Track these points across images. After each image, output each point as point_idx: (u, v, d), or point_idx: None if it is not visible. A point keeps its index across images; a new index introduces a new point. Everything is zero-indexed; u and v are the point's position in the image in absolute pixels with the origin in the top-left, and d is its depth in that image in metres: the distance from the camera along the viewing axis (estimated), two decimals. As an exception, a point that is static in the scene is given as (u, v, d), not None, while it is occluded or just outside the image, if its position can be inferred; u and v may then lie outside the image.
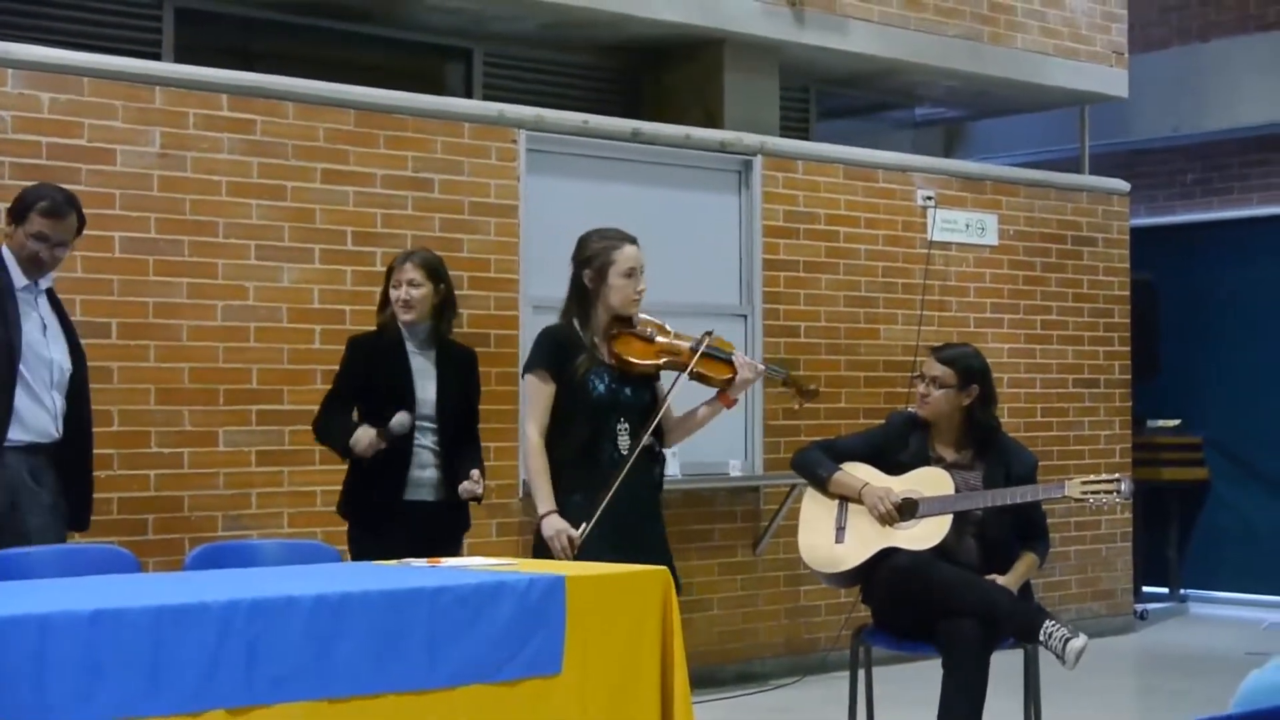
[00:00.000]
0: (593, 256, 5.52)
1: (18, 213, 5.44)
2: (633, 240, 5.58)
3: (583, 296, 5.53)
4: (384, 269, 5.94)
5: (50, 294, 5.59)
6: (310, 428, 6.04)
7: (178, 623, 3.50)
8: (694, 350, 5.52)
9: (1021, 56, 10.02)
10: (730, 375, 5.56)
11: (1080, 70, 10.31)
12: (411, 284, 5.85)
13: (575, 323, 5.52)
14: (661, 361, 5.54)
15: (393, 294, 5.89)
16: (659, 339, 5.55)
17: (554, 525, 5.33)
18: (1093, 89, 10.41)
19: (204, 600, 3.57)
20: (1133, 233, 10.51)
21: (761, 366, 5.75)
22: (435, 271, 5.92)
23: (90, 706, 3.36)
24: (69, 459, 5.55)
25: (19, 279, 5.41)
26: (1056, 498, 5.80)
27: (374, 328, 6.00)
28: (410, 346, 5.89)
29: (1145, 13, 11.63)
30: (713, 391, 5.65)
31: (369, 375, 5.88)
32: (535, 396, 5.47)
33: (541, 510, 5.39)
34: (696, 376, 5.56)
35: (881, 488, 5.82)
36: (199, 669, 3.50)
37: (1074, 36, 10.29)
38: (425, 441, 5.82)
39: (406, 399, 5.79)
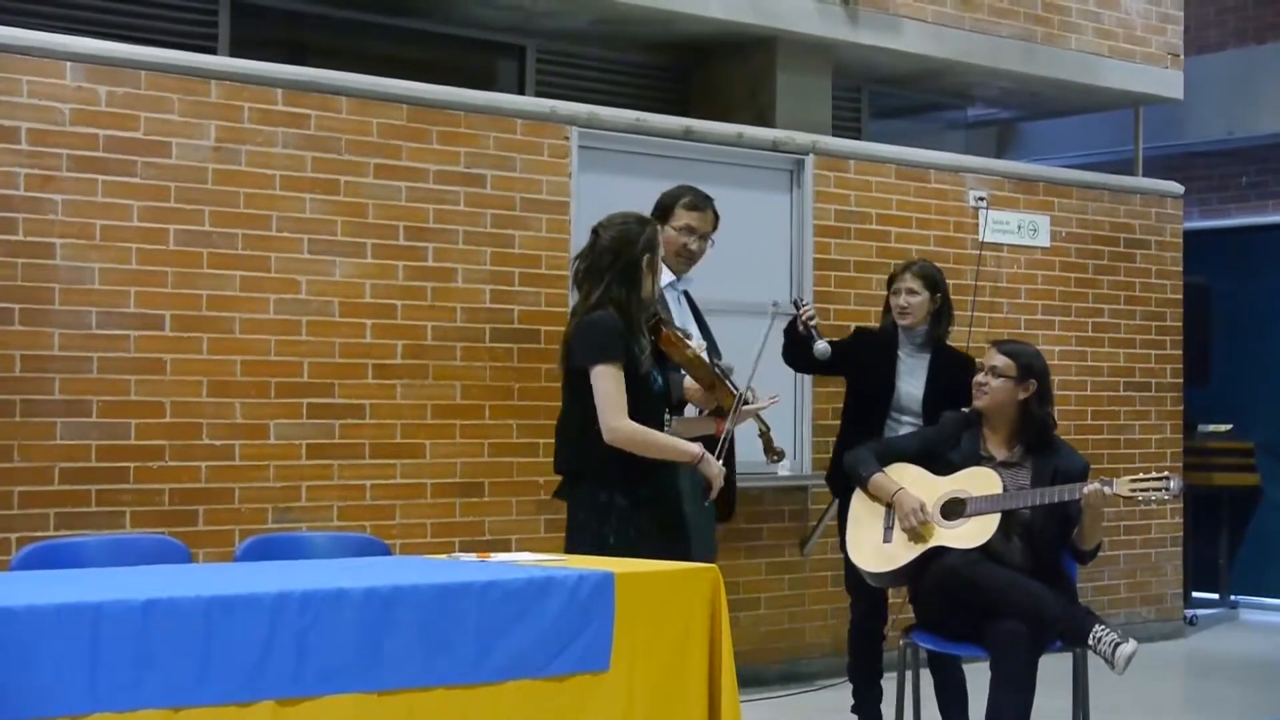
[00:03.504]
0: (653, 238, 5.30)
1: (663, 211, 6.07)
2: None
3: (636, 283, 5.23)
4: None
5: (686, 295, 6.19)
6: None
7: (229, 613, 3.51)
8: (713, 372, 5.50)
9: (1075, 57, 9.97)
10: (731, 404, 5.50)
11: (1135, 72, 10.25)
12: (910, 291, 6.51)
13: (614, 313, 5.19)
14: (691, 368, 5.51)
15: (892, 300, 6.57)
16: (689, 345, 5.49)
17: (715, 465, 5.21)
18: (1147, 91, 10.35)
19: (255, 591, 3.59)
20: (1186, 236, 10.43)
21: (766, 404, 5.63)
22: (933, 281, 6.56)
23: (141, 695, 3.38)
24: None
25: (665, 275, 5.83)
26: (1105, 495, 5.73)
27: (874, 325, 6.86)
28: (904, 350, 6.55)
29: (1201, 14, 11.56)
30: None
31: (861, 365, 6.59)
32: (618, 388, 5.11)
33: (695, 452, 5.18)
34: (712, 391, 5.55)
35: (915, 499, 5.80)
36: (249, 660, 3.52)
37: (1129, 38, 10.23)
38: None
39: (887, 392, 6.48)
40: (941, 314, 6.60)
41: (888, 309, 6.68)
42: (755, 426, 5.83)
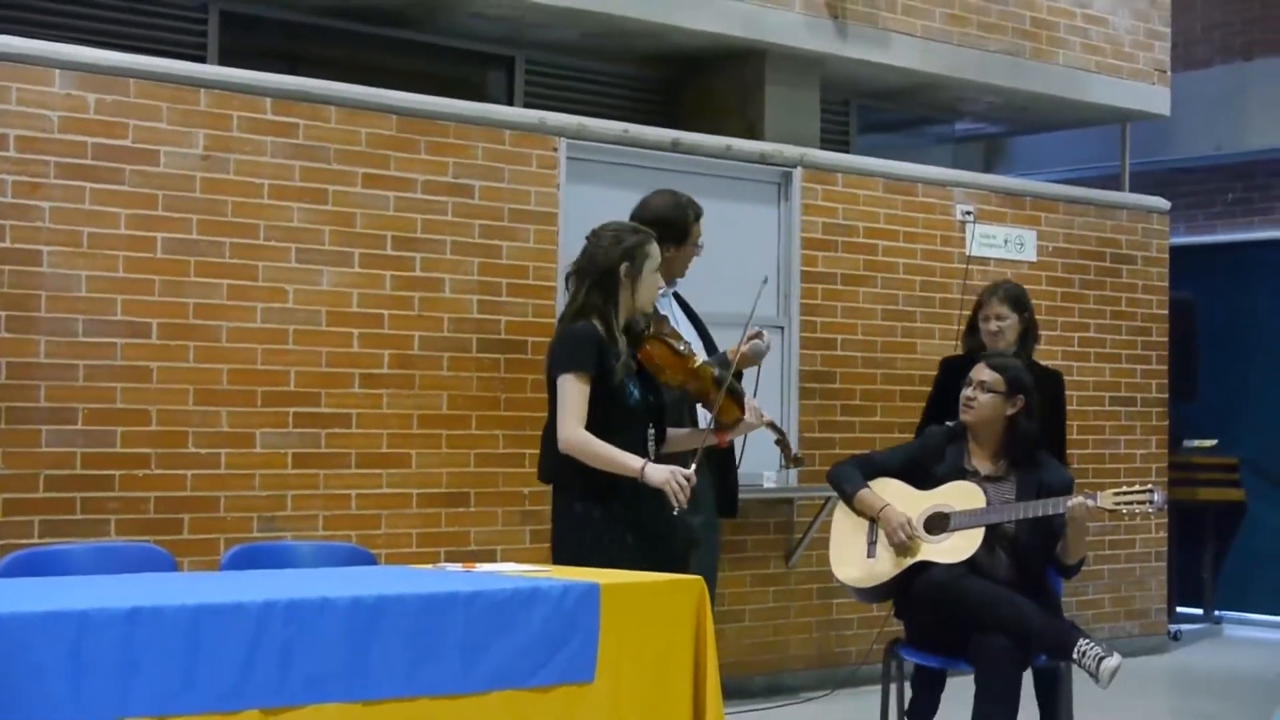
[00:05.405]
0: (634, 249, 5.25)
1: (680, 233, 5.93)
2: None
3: (612, 292, 5.22)
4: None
5: (676, 295, 6.13)
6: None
7: (214, 622, 3.51)
8: (717, 383, 5.33)
9: (1063, 73, 10.01)
10: (738, 417, 5.41)
11: (1122, 87, 10.29)
12: (999, 317, 6.59)
13: (597, 322, 5.19)
14: (687, 382, 5.33)
15: (982, 325, 6.65)
16: (688, 356, 5.33)
17: (661, 470, 5.03)
18: (1134, 106, 10.39)
19: (240, 600, 3.58)
20: (1172, 251, 10.46)
21: (767, 417, 5.58)
22: (1019, 302, 6.65)
23: (126, 703, 3.38)
24: (718, 450, 5.80)
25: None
26: (1088, 509, 5.73)
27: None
28: None
29: (1188, 31, 11.59)
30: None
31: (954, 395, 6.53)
32: (579, 397, 5.10)
33: (636, 466, 5.05)
34: (711, 406, 5.43)
35: (902, 515, 5.79)
36: (234, 668, 3.52)
37: (1116, 53, 10.27)
38: None
39: None
40: (1028, 333, 6.66)
41: (972, 330, 6.72)
42: (771, 434, 5.72)
